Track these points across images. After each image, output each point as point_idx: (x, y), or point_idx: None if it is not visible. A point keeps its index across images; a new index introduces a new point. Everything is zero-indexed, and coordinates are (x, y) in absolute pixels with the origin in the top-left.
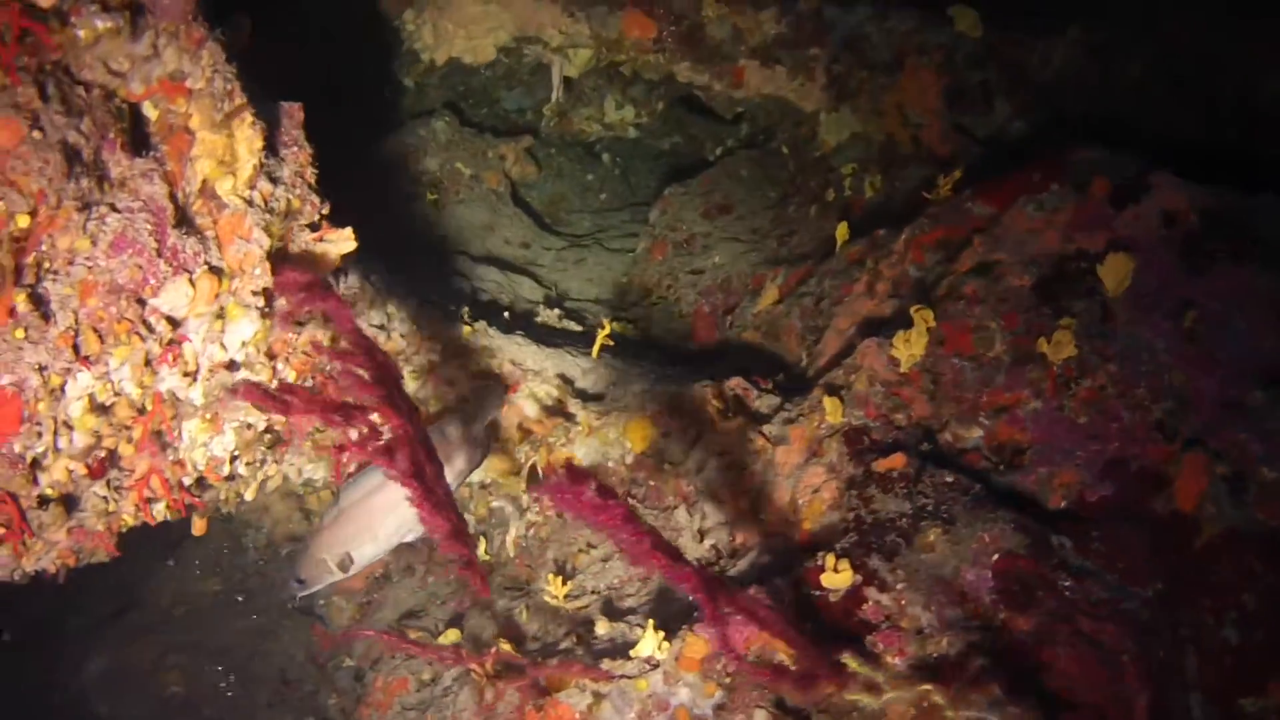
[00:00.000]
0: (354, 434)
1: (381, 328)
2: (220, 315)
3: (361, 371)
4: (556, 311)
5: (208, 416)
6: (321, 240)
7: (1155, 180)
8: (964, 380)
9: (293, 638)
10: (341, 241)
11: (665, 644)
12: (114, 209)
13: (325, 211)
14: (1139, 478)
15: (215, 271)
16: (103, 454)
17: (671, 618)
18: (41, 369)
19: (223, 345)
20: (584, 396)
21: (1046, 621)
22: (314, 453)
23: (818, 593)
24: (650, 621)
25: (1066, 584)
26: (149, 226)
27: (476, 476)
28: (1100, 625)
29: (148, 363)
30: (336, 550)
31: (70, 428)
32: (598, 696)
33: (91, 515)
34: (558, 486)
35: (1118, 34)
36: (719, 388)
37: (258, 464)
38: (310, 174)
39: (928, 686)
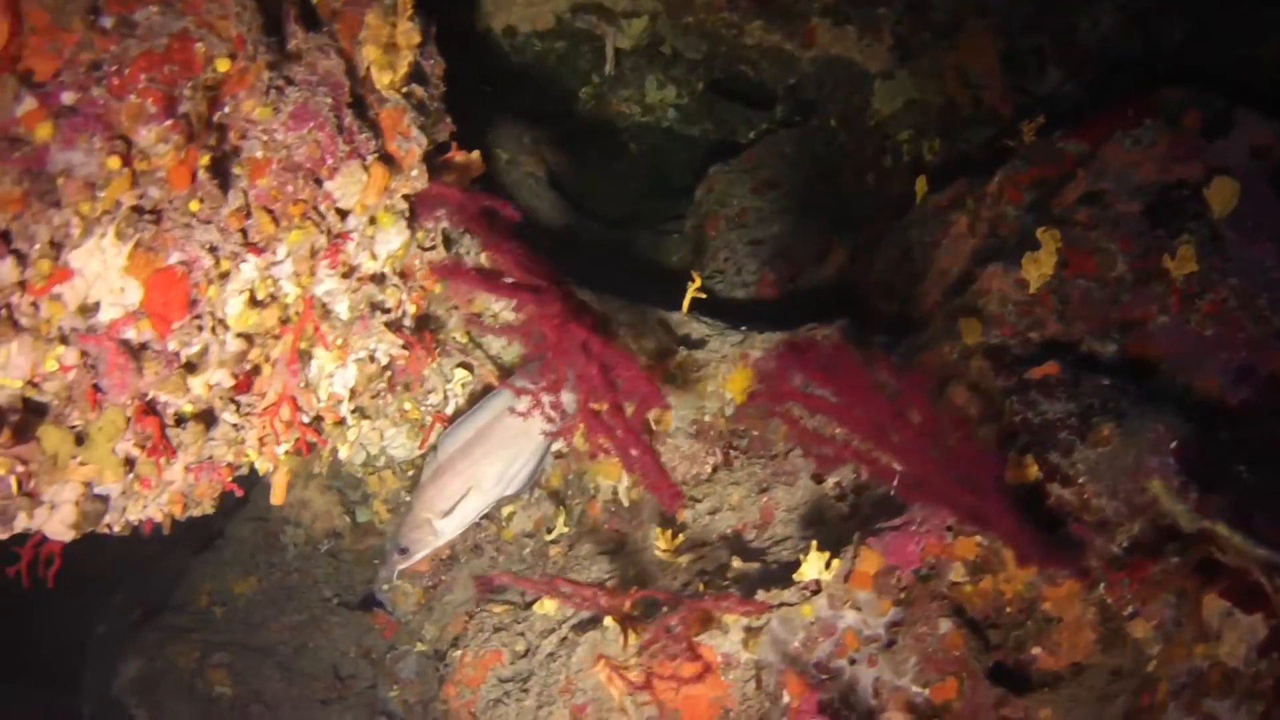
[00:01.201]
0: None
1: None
2: (373, 221)
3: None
4: (625, 278)
5: (339, 342)
6: (452, 161)
7: (1240, 117)
8: (1091, 299)
9: (342, 633)
10: (474, 164)
11: (835, 562)
12: (291, 82)
13: (453, 131)
14: (1269, 382)
15: (387, 161)
16: (249, 366)
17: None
18: (213, 249)
19: (372, 254)
20: (688, 343)
21: (1238, 501)
22: (399, 416)
23: None
24: (813, 542)
25: (1241, 469)
26: (329, 101)
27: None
28: None
29: (313, 254)
30: (440, 506)
31: (225, 327)
32: (750, 631)
33: (221, 443)
34: (806, 347)
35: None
36: (828, 327)
37: (361, 414)
38: (442, 88)
39: (1208, 522)
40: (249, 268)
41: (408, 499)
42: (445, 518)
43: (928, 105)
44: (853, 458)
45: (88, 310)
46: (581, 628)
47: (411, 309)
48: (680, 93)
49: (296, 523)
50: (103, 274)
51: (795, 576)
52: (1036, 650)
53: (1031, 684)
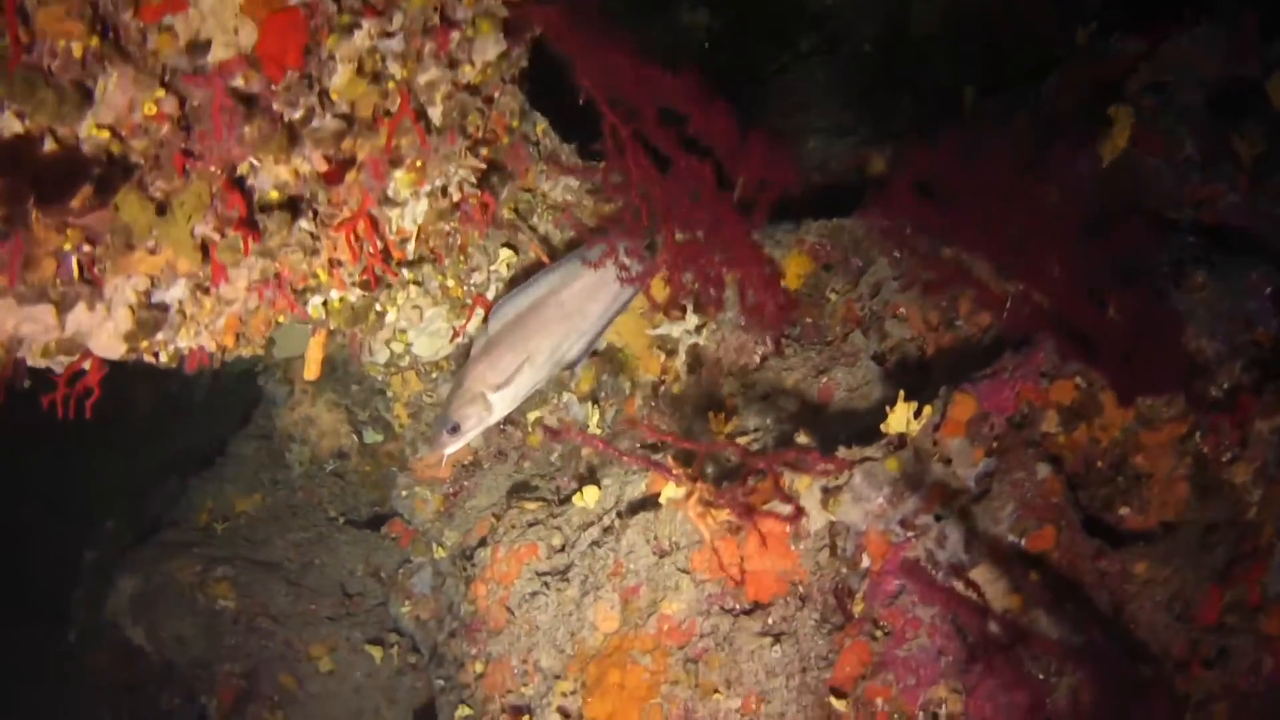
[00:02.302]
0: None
1: (536, 144)
2: (474, 23)
3: None
4: None
5: (418, 164)
6: None
7: None
8: (1163, 177)
9: (349, 551)
10: None
11: (927, 409)
12: None
13: None
14: None
15: None
16: (342, 156)
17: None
18: None
19: (470, 61)
20: None
21: None
22: (441, 294)
23: None
24: (900, 392)
25: None
26: None
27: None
28: None
29: (425, 32)
30: (492, 380)
31: (329, 99)
32: (828, 492)
33: (296, 249)
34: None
35: None
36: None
37: (417, 271)
38: None
39: None
40: (361, 35)
41: (430, 401)
42: (499, 391)
43: (967, 25)
44: (962, 280)
45: (197, 48)
46: (631, 511)
47: (484, 150)
48: (713, 18)
49: (303, 440)
50: (218, 9)
51: (881, 428)
52: (1124, 510)
53: (1122, 541)
